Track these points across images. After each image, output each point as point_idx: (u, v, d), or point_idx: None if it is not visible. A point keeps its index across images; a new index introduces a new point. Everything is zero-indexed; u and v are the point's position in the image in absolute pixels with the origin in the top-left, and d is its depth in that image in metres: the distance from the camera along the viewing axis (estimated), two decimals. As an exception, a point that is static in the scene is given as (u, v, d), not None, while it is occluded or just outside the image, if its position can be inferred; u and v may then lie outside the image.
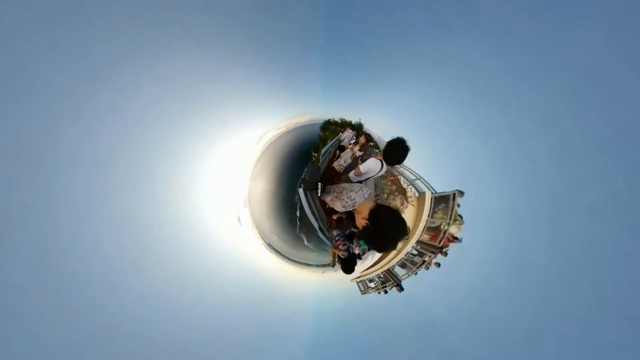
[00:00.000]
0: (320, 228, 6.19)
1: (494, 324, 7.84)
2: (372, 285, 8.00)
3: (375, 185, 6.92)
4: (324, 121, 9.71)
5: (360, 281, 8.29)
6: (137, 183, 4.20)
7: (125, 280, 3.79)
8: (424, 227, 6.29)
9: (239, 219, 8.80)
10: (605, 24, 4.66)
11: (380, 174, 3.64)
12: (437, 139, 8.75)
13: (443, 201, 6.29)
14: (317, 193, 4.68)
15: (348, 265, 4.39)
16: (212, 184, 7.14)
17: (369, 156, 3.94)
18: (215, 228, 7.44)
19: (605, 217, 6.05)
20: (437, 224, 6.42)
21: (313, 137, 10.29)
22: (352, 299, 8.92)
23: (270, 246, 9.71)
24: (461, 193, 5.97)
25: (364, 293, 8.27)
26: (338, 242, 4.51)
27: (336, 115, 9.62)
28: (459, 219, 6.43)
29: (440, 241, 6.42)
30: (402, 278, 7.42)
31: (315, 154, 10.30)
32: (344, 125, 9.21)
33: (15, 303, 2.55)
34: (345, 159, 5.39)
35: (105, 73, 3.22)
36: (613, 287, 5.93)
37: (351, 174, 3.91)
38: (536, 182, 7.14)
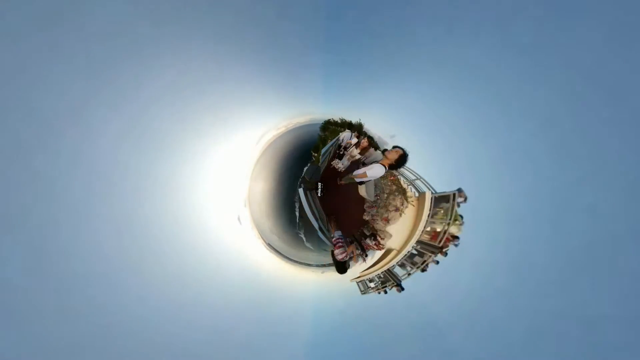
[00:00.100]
0: (320, 228, 6.20)
1: (493, 324, 7.85)
2: (372, 285, 7.99)
3: (375, 185, 6.91)
4: (324, 121, 9.69)
5: (360, 281, 8.28)
6: (136, 183, 4.20)
7: (125, 280, 3.79)
8: (424, 227, 6.28)
9: (238, 219, 8.80)
10: (604, 23, 4.67)
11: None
12: (437, 139, 8.76)
13: (443, 201, 6.29)
14: (317, 193, 4.70)
15: (341, 266, 4.53)
16: (212, 184, 7.14)
17: (372, 160, 4.10)
18: (215, 228, 7.44)
19: (605, 217, 6.06)
20: (437, 224, 6.42)
21: (313, 137, 10.29)
22: (352, 299, 8.92)
23: (270, 246, 9.71)
24: (462, 194, 5.97)
25: (364, 293, 8.26)
26: (337, 245, 4.56)
27: (336, 115, 9.61)
28: (459, 219, 6.43)
29: (440, 241, 6.41)
30: (402, 278, 7.42)
31: (315, 154, 10.30)
32: (344, 125, 9.21)
33: (15, 303, 2.55)
34: (343, 161, 5.39)
35: (104, 73, 3.22)
36: (613, 287, 5.93)
37: (356, 177, 4.13)
38: (536, 182, 7.14)
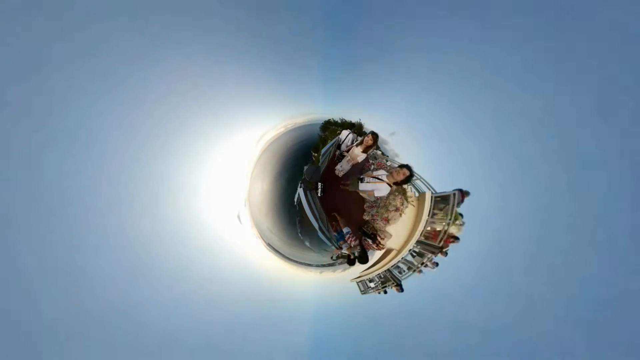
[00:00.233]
0: (320, 228, 6.19)
1: (493, 324, 7.86)
2: (372, 285, 7.99)
3: (375, 185, 6.91)
4: (324, 121, 9.70)
5: (360, 281, 8.28)
6: (137, 183, 4.20)
7: (125, 280, 3.79)
8: (424, 227, 6.28)
9: (239, 217, 8.80)
10: (599, 28, 4.69)
11: None
12: (438, 139, 8.77)
13: (443, 201, 6.28)
14: (317, 193, 4.70)
15: (364, 256, 4.63)
16: (213, 184, 7.14)
17: (379, 174, 4.18)
18: (215, 228, 7.44)
19: (603, 217, 6.07)
20: (437, 224, 6.42)
21: (313, 137, 10.29)
22: (352, 299, 8.93)
23: (270, 246, 9.71)
24: (466, 193, 5.96)
25: (364, 293, 8.27)
26: (349, 239, 4.65)
27: (336, 115, 9.62)
28: (459, 218, 6.43)
29: (440, 241, 6.41)
30: (402, 278, 7.42)
31: (315, 154, 10.30)
32: (344, 125, 9.21)
33: (21, 301, 2.56)
34: (342, 164, 5.35)
35: (110, 76, 3.23)
36: (610, 286, 5.95)
37: (362, 192, 4.37)
38: (536, 181, 7.15)
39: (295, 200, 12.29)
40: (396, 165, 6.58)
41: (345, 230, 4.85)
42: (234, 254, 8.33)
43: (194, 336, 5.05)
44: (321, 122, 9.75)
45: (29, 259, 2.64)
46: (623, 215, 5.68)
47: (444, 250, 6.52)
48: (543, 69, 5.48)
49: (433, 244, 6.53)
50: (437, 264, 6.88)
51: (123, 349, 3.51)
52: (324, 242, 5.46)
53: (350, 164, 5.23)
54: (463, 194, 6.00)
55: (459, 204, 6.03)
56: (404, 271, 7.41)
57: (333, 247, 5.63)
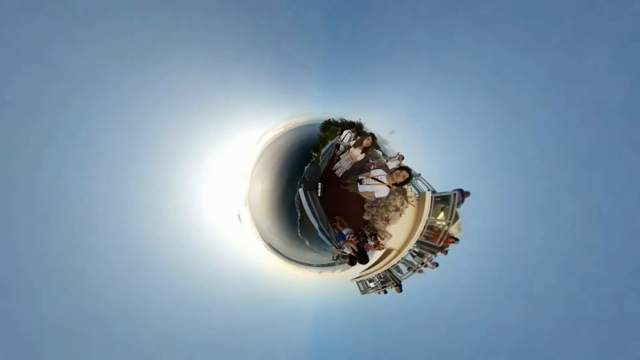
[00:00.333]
0: (320, 228, 6.20)
1: (493, 324, 7.86)
2: (372, 285, 7.99)
3: (375, 185, 6.92)
4: (324, 121, 9.69)
5: (360, 281, 8.28)
6: (137, 184, 4.20)
7: (125, 280, 3.79)
8: (424, 227, 6.28)
9: (239, 217, 8.80)
10: (598, 28, 4.69)
11: None
12: (438, 138, 8.77)
13: (443, 201, 6.29)
14: (317, 193, 4.71)
15: (363, 256, 4.64)
16: (213, 184, 7.14)
17: (378, 174, 4.18)
18: (216, 228, 7.45)
19: (603, 217, 6.08)
20: (437, 224, 6.42)
21: (313, 137, 10.29)
22: (352, 299, 8.93)
23: (270, 246, 9.71)
24: (466, 193, 5.96)
25: (364, 293, 8.27)
26: (350, 239, 4.67)
27: (336, 115, 9.61)
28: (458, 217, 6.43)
29: (440, 241, 6.41)
30: (402, 278, 7.42)
31: (315, 154, 10.30)
32: (344, 125, 9.20)
33: (20, 301, 2.56)
34: (342, 162, 5.36)
35: (109, 76, 3.23)
36: (608, 286, 5.95)
37: (362, 193, 4.40)
38: (537, 180, 7.15)
39: (296, 200, 12.29)
40: (395, 163, 6.59)
41: (345, 230, 4.86)
42: (234, 253, 8.34)
43: (194, 336, 5.05)
44: (321, 122, 9.74)
45: (28, 259, 2.64)
46: (624, 215, 5.68)
47: (444, 249, 6.53)
48: (543, 68, 5.48)
49: (433, 244, 6.53)
50: (437, 264, 6.88)
51: (123, 348, 3.51)
52: (324, 242, 5.46)
53: (350, 162, 5.24)
54: (463, 194, 6.00)
55: (459, 204, 6.03)
56: (404, 271, 7.42)
57: (333, 247, 5.63)
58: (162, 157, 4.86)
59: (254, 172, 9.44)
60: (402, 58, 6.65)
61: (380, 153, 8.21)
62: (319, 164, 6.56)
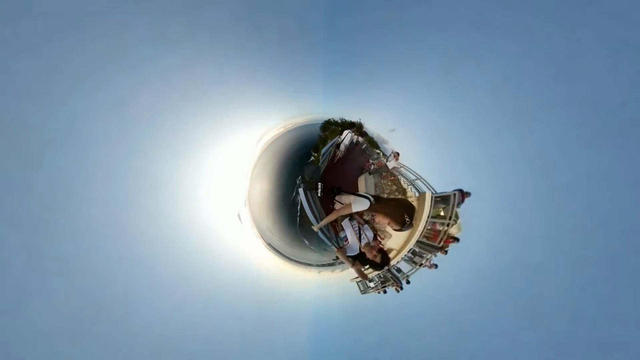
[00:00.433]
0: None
1: (494, 325, 7.85)
2: (371, 285, 7.99)
3: (376, 186, 6.92)
4: (324, 121, 9.70)
5: (360, 281, 8.29)
6: (138, 184, 4.20)
7: (125, 281, 3.79)
8: (424, 227, 6.28)
9: (239, 216, 8.80)
10: (596, 27, 4.69)
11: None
12: (438, 138, 8.76)
13: (443, 201, 6.29)
14: (317, 193, 4.67)
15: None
16: (213, 184, 7.14)
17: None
18: (215, 228, 7.44)
19: (604, 216, 6.07)
20: (437, 224, 6.42)
21: (313, 137, 10.30)
22: (352, 299, 8.93)
23: (270, 246, 9.71)
24: (467, 194, 5.95)
25: (364, 293, 8.27)
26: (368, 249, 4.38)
27: (336, 115, 9.62)
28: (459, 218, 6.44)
29: (440, 241, 6.42)
30: (402, 278, 7.43)
31: (315, 154, 10.30)
32: (344, 125, 9.21)
33: (19, 303, 2.56)
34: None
35: (108, 76, 3.22)
36: (607, 287, 5.95)
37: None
38: (535, 182, 7.15)
39: (295, 199, 12.29)
40: (392, 163, 6.54)
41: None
42: (234, 254, 8.33)
43: (194, 336, 5.05)
44: (321, 122, 9.75)
45: (25, 262, 2.63)
46: (625, 214, 5.68)
47: (444, 249, 6.53)
48: (544, 66, 5.47)
49: (433, 244, 6.53)
50: (436, 266, 6.88)
51: (122, 349, 3.51)
52: (323, 242, 5.45)
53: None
54: (463, 194, 6.00)
55: (459, 204, 6.03)
56: (403, 271, 7.42)
57: (333, 247, 5.62)
58: (161, 157, 4.86)
59: (254, 172, 9.43)
60: (402, 58, 6.64)
61: (380, 153, 8.22)
62: (319, 164, 6.56)
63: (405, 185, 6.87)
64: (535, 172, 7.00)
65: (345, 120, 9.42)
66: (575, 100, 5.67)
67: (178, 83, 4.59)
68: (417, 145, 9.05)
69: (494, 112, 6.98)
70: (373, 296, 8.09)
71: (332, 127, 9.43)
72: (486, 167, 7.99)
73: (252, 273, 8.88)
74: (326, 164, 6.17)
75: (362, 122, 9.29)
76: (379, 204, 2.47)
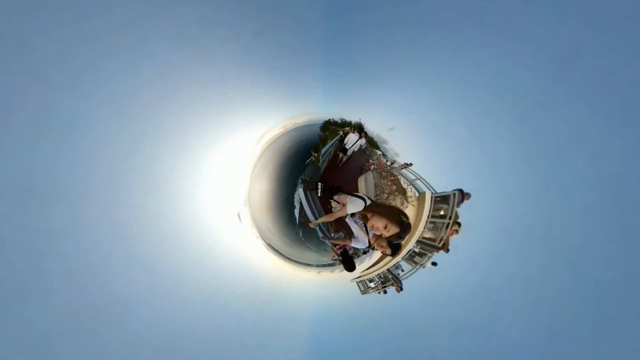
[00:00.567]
0: (320, 228, 6.19)
1: (494, 325, 7.85)
2: (372, 285, 7.98)
3: (376, 186, 6.91)
4: (324, 121, 9.70)
5: (360, 281, 8.28)
6: (138, 184, 4.19)
7: (123, 282, 3.78)
8: (424, 227, 6.27)
9: (239, 216, 8.80)
10: (594, 27, 4.69)
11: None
12: (438, 139, 8.76)
13: (443, 201, 6.28)
14: (317, 193, 4.67)
15: (348, 264, 4.40)
16: (213, 184, 7.13)
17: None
18: (215, 228, 7.44)
19: (605, 215, 6.07)
20: (437, 224, 6.42)
21: (313, 137, 10.29)
22: (352, 299, 8.93)
23: (270, 246, 9.70)
24: (467, 195, 5.94)
25: (364, 293, 8.26)
26: (338, 247, 4.51)
27: (336, 115, 9.61)
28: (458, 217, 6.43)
29: (440, 241, 6.41)
30: (402, 277, 7.42)
31: (315, 154, 10.29)
32: (344, 125, 9.20)
33: (18, 303, 2.55)
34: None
35: (108, 75, 3.22)
36: (610, 286, 5.94)
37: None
38: (535, 182, 7.15)
39: (295, 199, 12.28)
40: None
41: (336, 235, 4.77)
42: (234, 254, 8.33)
43: (193, 336, 5.04)
44: (321, 122, 9.75)
45: (24, 262, 2.63)
46: (626, 213, 5.68)
47: (445, 247, 6.51)
48: (543, 67, 5.47)
49: (433, 244, 6.53)
50: (435, 264, 6.87)
51: (122, 348, 3.50)
52: (323, 242, 5.45)
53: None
54: (463, 194, 5.99)
55: (458, 204, 6.02)
56: (404, 270, 7.41)
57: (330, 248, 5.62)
58: (161, 157, 4.85)
59: (254, 172, 9.43)
60: (402, 57, 6.64)
61: (380, 153, 8.21)
62: (319, 164, 6.56)
63: (405, 185, 6.86)
64: (534, 172, 6.99)
65: (345, 120, 9.42)
66: (575, 99, 5.67)
67: (178, 83, 4.59)
68: (417, 144, 9.04)
69: (494, 111, 6.97)
70: (373, 296, 8.09)
71: (332, 127, 9.42)
72: (485, 167, 7.99)
73: (251, 273, 8.87)
74: (326, 164, 6.17)
75: (362, 122, 9.29)
76: (374, 204, 2.49)
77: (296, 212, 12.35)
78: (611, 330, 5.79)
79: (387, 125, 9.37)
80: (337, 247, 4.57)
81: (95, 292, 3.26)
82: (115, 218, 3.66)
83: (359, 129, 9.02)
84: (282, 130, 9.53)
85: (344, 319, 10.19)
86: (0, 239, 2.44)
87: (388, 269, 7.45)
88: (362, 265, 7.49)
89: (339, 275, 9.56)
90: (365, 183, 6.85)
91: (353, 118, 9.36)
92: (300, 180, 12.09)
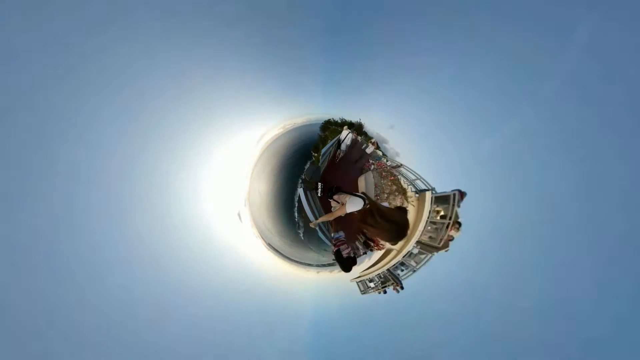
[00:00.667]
0: (320, 228, 6.20)
1: (495, 326, 7.86)
2: (372, 285, 7.99)
3: (376, 186, 6.92)
4: (324, 121, 9.71)
5: (360, 281, 8.28)
6: (138, 184, 4.20)
7: (126, 280, 3.79)
8: (424, 227, 6.28)
9: (239, 215, 8.81)
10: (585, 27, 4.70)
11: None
12: (437, 138, 8.77)
13: (443, 201, 6.29)
14: (317, 193, 4.66)
15: (346, 264, 4.38)
16: (213, 184, 7.14)
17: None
18: (216, 228, 7.45)
19: (606, 215, 6.07)
20: (437, 224, 6.42)
21: (313, 137, 10.30)
22: (352, 299, 8.93)
23: (270, 246, 9.71)
24: (463, 194, 5.95)
25: (364, 293, 8.27)
26: (337, 245, 4.50)
27: (336, 115, 9.63)
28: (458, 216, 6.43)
29: (440, 241, 6.42)
30: (402, 278, 7.42)
31: (315, 154, 10.30)
32: (344, 125, 9.22)
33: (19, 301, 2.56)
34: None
35: (110, 77, 3.23)
36: (611, 286, 5.95)
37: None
38: (535, 182, 7.15)
39: (295, 199, 12.29)
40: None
41: (338, 234, 4.76)
42: (234, 253, 8.33)
43: (193, 336, 5.05)
44: (321, 122, 9.75)
45: (35, 258, 2.64)
46: (626, 213, 5.68)
47: (446, 246, 6.52)
48: (541, 68, 5.48)
49: (433, 244, 6.53)
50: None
51: (122, 349, 3.51)
52: (323, 242, 5.46)
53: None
54: (462, 194, 6.01)
55: (458, 203, 6.03)
56: (404, 268, 7.42)
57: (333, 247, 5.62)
58: (162, 158, 4.86)
59: (254, 172, 9.44)
60: (403, 57, 6.65)
61: (380, 153, 8.20)
62: (319, 164, 6.57)
63: (405, 185, 6.87)
64: (534, 171, 6.99)
65: (345, 121, 9.43)
66: (574, 98, 5.68)
67: (179, 85, 4.60)
68: (417, 144, 9.05)
69: (493, 112, 6.98)
70: (373, 296, 8.09)
71: (332, 127, 9.44)
72: (485, 166, 8.00)
73: (251, 273, 8.88)
74: (326, 164, 6.17)
75: (362, 123, 9.30)
76: (371, 210, 2.48)
77: (296, 212, 12.36)
78: (595, 326, 5.81)
79: (386, 122, 9.38)
80: (335, 245, 4.56)
81: (100, 290, 3.27)
82: (116, 221, 3.67)
83: (359, 129, 9.03)
84: (282, 130, 9.54)
85: (344, 318, 10.20)
86: (14, 251, 2.46)
87: (388, 269, 7.46)
88: (362, 265, 7.50)
89: (338, 275, 9.56)
90: (365, 183, 6.85)
91: (353, 118, 9.38)
92: (300, 180, 12.10)
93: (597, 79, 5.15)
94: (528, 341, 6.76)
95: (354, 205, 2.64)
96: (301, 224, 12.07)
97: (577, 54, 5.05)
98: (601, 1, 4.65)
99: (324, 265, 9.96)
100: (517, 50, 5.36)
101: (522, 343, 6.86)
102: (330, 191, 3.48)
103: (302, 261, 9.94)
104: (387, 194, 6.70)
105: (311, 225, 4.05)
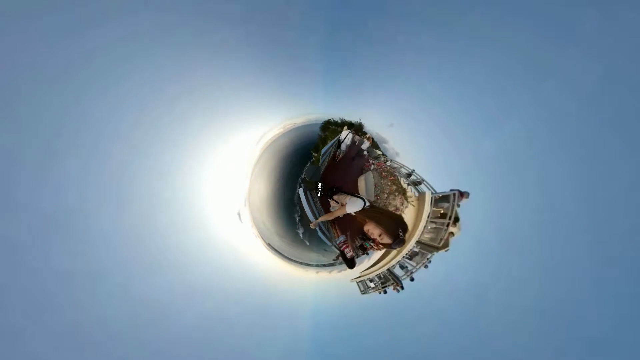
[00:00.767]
0: (320, 228, 6.18)
1: (496, 326, 7.86)
2: (372, 285, 7.98)
3: (376, 186, 6.91)
4: (324, 121, 9.71)
5: (360, 281, 8.27)
6: (138, 184, 4.20)
7: (125, 281, 3.79)
8: (424, 227, 6.27)
9: (239, 215, 8.80)
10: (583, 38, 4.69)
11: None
12: (437, 137, 8.77)
13: (444, 201, 6.28)
14: (317, 193, 4.67)
15: (350, 262, 4.39)
16: (214, 184, 7.14)
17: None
18: (215, 228, 7.44)
19: (606, 215, 6.08)
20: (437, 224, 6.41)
21: (313, 137, 10.30)
22: (352, 298, 8.93)
23: (270, 246, 9.70)
24: (465, 194, 5.95)
25: (364, 293, 8.26)
26: (342, 247, 4.50)
27: (336, 115, 9.63)
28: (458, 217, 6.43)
29: (440, 241, 6.41)
30: (402, 278, 7.41)
31: (315, 154, 10.30)
32: (344, 125, 9.22)
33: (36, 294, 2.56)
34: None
35: (112, 78, 3.23)
36: (611, 286, 5.95)
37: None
38: (534, 183, 7.15)
39: (295, 199, 12.29)
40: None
41: (340, 238, 4.76)
42: (234, 253, 8.33)
43: (192, 336, 5.05)
44: (321, 122, 9.76)
45: (35, 258, 2.64)
46: (625, 211, 5.68)
47: (445, 245, 6.51)
48: (539, 68, 5.48)
49: (433, 244, 6.53)
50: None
51: (121, 348, 3.51)
52: (323, 242, 5.46)
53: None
54: (462, 194, 6.00)
55: (458, 203, 6.03)
56: (405, 267, 7.41)
57: (334, 247, 5.62)
58: (162, 158, 4.86)
59: (254, 172, 9.43)
60: (402, 57, 6.65)
61: (380, 152, 8.20)
62: (319, 164, 6.55)
63: (405, 186, 6.86)
64: (534, 171, 7.00)
65: (345, 121, 9.43)
66: (573, 97, 5.68)
67: (180, 85, 4.59)
68: (416, 143, 9.05)
69: (495, 112, 6.98)
70: (373, 296, 8.09)
71: (332, 127, 9.44)
72: (484, 166, 8.00)
73: (251, 273, 8.87)
74: (326, 164, 6.16)
75: (362, 123, 9.30)
76: (375, 210, 2.49)
77: (296, 212, 12.35)
78: (595, 326, 5.81)
79: (385, 122, 9.38)
80: (342, 247, 4.56)
81: (100, 290, 3.27)
82: (116, 221, 3.67)
83: (359, 129, 9.03)
84: (282, 130, 9.53)
85: (344, 318, 10.20)
86: (17, 254, 2.45)
87: (388, 269, 7.45)
88: (362, 265, 7.49)
89: (338, 275, 9.56)
90: (365, 183, 6.85)
91: (353, 118, 9.38)
92: (300, 180, 12.10)
93: (597, 79, 5.15)
94: (528, 341, 6.75)
95: (354, 205, 2.64)
96: (301, 224, 12.07)
97: (577, 54, 5.06)
98: (601, 1, 4.65)
99: (323, 266, 9.96)
100: (516, 50, 5.37)
101: (522, 343, 6.86)
102: (330, 191, 3.49)
103: (302, 261, 9.93)
104: (387, 194, 6.69)
105: (311, 225, 4.06)
